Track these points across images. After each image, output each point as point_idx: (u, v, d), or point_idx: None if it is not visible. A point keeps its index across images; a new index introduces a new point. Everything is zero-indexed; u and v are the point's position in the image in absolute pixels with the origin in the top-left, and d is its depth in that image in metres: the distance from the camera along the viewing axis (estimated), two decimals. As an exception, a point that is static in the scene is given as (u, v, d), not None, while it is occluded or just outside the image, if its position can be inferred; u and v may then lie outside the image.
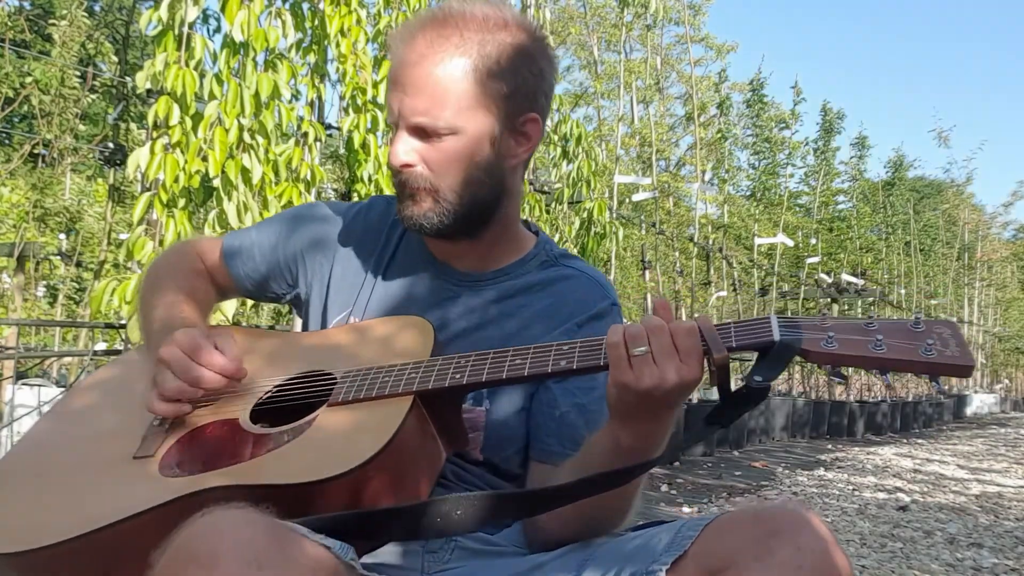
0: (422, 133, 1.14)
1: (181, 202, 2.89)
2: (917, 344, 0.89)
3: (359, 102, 3.61)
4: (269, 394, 1.10)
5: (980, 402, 19.58)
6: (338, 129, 3.84)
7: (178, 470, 0.99)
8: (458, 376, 1.00)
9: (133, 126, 5.38)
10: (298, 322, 1.41)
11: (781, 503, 0.90)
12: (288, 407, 1.08)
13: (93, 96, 6.93)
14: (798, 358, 0.94)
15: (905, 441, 10.56)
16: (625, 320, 1.26)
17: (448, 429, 1.05)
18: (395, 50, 1.15)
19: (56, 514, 0.98)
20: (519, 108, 1.17)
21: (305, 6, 3.46)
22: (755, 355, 0.95)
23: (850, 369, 0.93)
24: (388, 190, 3.53)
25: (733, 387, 0.95)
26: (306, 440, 0.98)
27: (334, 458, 0.92)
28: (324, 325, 1.27)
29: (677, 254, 9.29)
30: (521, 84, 1.16)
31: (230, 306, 2.86)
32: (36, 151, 6.98)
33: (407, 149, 1.14)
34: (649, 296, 8.29)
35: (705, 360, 0.94)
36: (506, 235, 1.26)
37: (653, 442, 0.99)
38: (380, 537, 0.93)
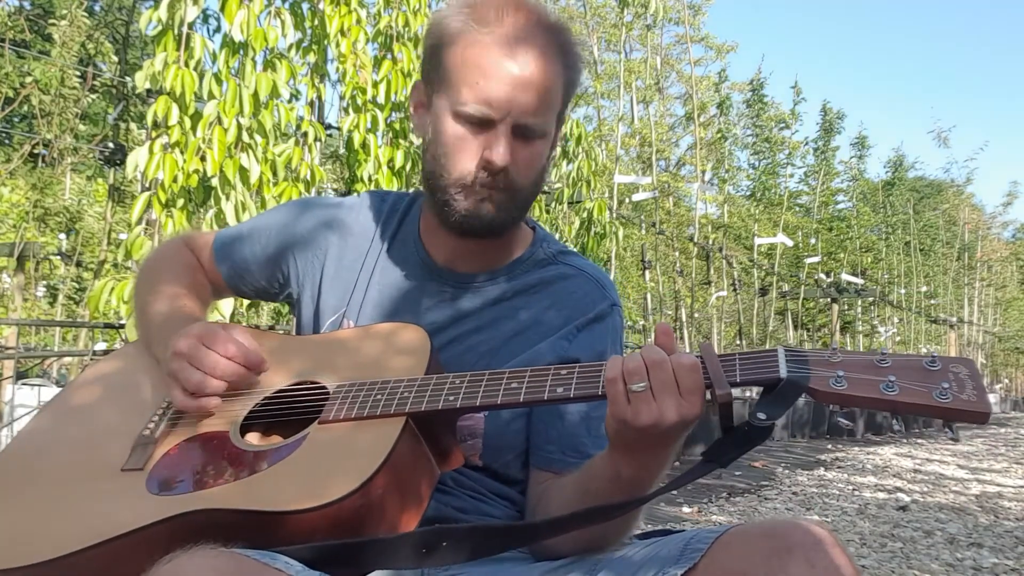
0: (522, 133, 1.10)
1: (180, 202, 2.89)
2: (931, 387, 0.84)
3: (359, 102, 3.61)
4: (260, 403, 1.08)
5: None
6: (338, 129, 3.84)
7: (164, 487, 0.97)
8: (452, 399, 0.97)
9: (133, 126, 5.38)
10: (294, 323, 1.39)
11: (793, 518, 0.88)
12: (279, 416, 1.07)
13: (93, 96, 6.94)
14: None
15: (905, 441, 10.57)
16: (625, 321, 1.24)
17: (441, 448, 1.03)
18: (495, 33, 1.09)
19: (39, 531, 0.96)
20: (564, 114, 1.20)
21: (305, 6, 3.46)
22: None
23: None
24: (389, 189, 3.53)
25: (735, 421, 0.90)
26: (295, 462, 0.96)
27: (322, 485, 0.90)
28: (317, 326, 1.24)
29: (677, 254, 9.29)
30: (574, 91, 1.19)
31: (227, 306, 2.85)
32: (36, 151, 6.99)
33: (510, 149, 1.10)
34: (649, 296, 8.30)
35: (707, 394, 0.90)
36: (515, 235, 1.24)
37: (654, 473, 0.97)
38: (365, 567, 0.89)
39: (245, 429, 1.05)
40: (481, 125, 1.09)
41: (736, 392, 0.90)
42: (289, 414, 1.06)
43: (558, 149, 1.29)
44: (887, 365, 0.87)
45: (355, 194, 1.54)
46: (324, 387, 1.06)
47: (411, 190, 1.36)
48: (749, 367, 0.90)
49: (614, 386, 0.91)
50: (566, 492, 1.07)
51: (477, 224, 1.13)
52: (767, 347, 0.95)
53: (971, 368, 0.87)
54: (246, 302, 2.99)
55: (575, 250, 1.32)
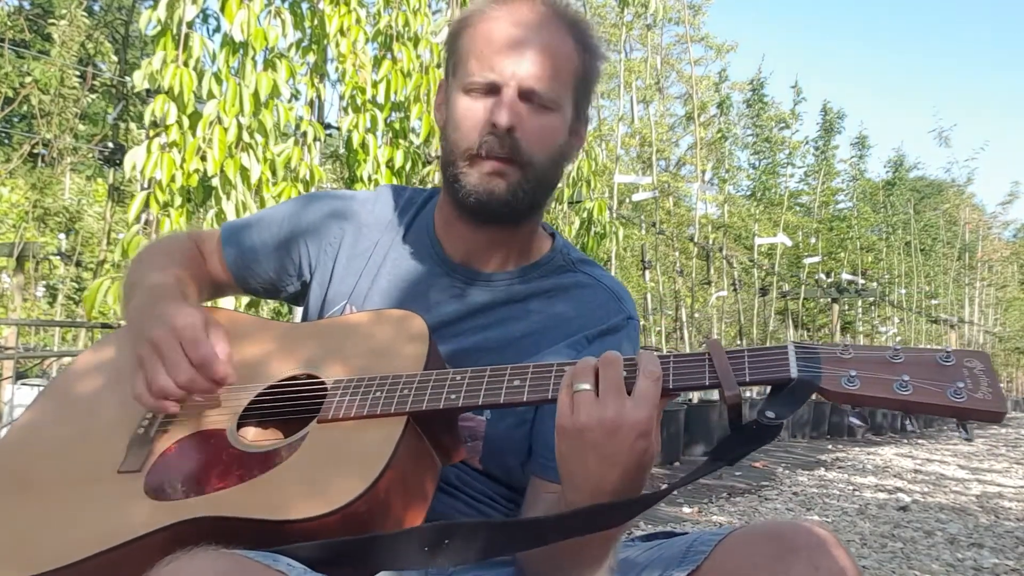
0: (529, 98, 1.09)
1: (177, 201, 2.89)
2: (946, 385, 0.82)
3: (358, 102, 3.60)
4: (257, 397, 1.06)
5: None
6: (337, 129, 3.84)
7: (164, 492, 0.96)
8: (454, 397, 0.95)
9: (133, 126, 5.37)
10: (298, 316, 1.36)
11: (795, 520, 0.84)
12: (277, 412, 1.05)
13: (93, 96, 6.93)
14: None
15: (905, 441, 10.56)
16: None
17: (443, 443, 1.01)
18: (503, 9, 1.11)
19: (38, 540, 0.94)
20: (584, 107, 1.18)
21: (305, 5, 3.45)
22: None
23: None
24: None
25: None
26: (295, 464, 0.94)
27: (324, 490, 0.89)
28: (323, 314, 1.22)
29: (677, 254, 9.29)
30: (593, 84, 1.18)
31: (227, 303, 2.84)
32: (36, 151, 6.98)
33: (516, 111, 1.08)
34: (649, 296, 8.29)
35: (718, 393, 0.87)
36: (532, 235, 1.21)
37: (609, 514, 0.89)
38: (370, 567, 0.87)
39: (242, 423, 1.04)
40: (488, 93, 1.09)
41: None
42: (287, 410, 1.04)
43: (581, 144, 1.26)
44: (900, 361, 0.85)
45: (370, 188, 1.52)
46: (322, 382, 1.04)
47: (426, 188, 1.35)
48: (758, 366, 0.88)
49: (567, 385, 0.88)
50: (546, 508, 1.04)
51: (488, 201, 1.10)
52: (777, 344, 0.92)
53: (986, 363, 0.84)
54: (245, 299, 2.97)
55: (585, 255, 1.30)
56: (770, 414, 0.85)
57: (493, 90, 1.09)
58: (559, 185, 5.06)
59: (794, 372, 0.85)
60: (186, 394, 1.01)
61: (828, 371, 0.85)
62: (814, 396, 0.87)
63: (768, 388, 0.89)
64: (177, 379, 0.99)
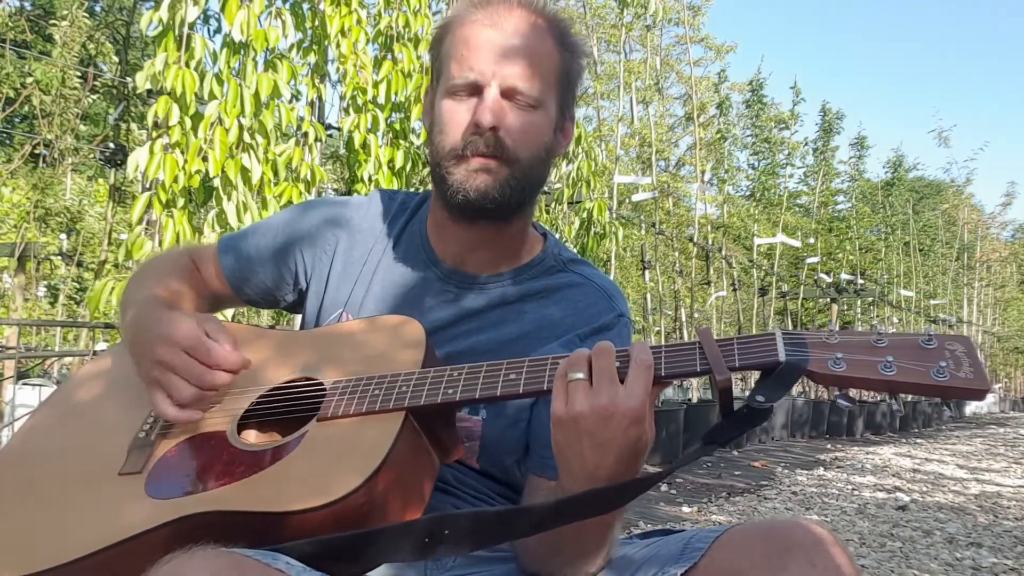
0: (512, 97, 1.11)
1: (180, 202, 2.90)
2: (929, 365, 0.84)
3: (359, 102, 3.62)
4: (257, 401, 1.07)
5: (979, 401, 19.60)
6: (338, 129, 3.85)
7: (164, 490, 0.97)
8: (451, 392, 0.97)
9: (134, 126, 5.38)
10: (298, 322, 1.37)
11: (793, 518, 0.84)
12: (277, 414, 1.06)
13: (94, 96, 6.93)
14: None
15: (904, 441, 10.58)
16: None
17: (441, 440, 1.02)
18: (481, 13, 1.13)
19: (40, 540, 0.96)
20: (569, 104, 1.19)
21: (305, 6, 3.47)
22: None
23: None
24: (388, 190, 3.52)
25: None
26: (295, 460, 0.95)
27: (324, 483, 0.89)
28: (319, 322, 1.23)
29: (677, 254, 9.30)
30: (576, 82, 1.19)
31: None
32: (37, 151, 6.98)
33: (499, 111, 1.10)
34: (648, 296, 8.30)
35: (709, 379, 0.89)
36: (523, 234, 1.22)
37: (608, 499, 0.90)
38: (368, 561, 0.88)
39: (241, 427, 1.05)
40: (471, 94, 1.11)
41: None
42: (286, 411, 1.05)
43: (568, 141, 1.24)
44: (884, 345, 0.87)
45: (363, 192, 1.53)
46: (320, 383, 1.05)
47: (419, 191, 1.36)
48: (747, 352, 0.90)
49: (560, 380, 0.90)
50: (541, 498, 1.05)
51: (475, 197, 1.11)
52: (764, 331, 0.95)
53: (967, 345, 0.86)
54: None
55: (578, 254, 1.30)
56: (760, 398, 0.87)
57: (476, 91, 1.11)
58: (558, 185, 5.05)
59: (782, 356, 0.88)
60: (212, 395, 1.04)
61: (815, 354, 0.87)
62: (813, 397, 0.89)
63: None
64: (202, 383, 1.03)
